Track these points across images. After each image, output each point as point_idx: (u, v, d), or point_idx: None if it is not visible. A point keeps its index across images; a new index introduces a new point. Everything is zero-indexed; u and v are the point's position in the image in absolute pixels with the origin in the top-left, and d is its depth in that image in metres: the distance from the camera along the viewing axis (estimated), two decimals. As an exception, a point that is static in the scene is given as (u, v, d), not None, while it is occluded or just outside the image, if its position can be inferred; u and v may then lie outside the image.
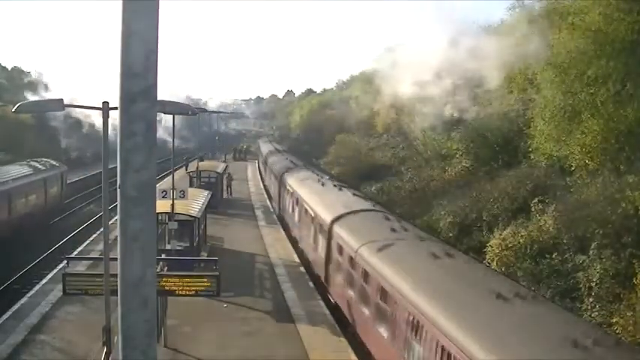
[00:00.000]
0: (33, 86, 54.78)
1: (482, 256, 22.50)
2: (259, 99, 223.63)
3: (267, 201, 44.74)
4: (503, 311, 10.96)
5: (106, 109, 12.77)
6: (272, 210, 40.56)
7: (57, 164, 42.44)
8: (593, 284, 18.44)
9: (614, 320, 16.81)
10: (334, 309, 19.87)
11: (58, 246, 31.48)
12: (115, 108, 2.96)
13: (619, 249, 18.80)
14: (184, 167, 50.73)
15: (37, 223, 34.74)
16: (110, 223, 14.93)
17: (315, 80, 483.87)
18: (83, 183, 51.22)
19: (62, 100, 13.62)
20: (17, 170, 36.23)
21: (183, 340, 17.31)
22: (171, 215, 22.50)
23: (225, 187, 44.43)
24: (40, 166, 39.48)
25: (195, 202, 26.96)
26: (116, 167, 2.89)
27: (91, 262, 22.18)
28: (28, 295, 21.09)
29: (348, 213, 20.92)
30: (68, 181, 44.54)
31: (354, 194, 25.62)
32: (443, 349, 10.84)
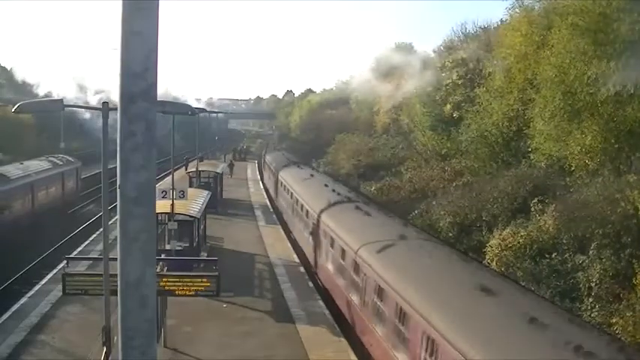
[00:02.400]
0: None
1: (481, 256, 22.49)
2: (259, 99, 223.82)
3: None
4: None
5: (105, 109, 12.80)
6: None
7: (72, 160, 45.76)
8: (592, 284, 18.42)
9: (614, 320, 16.80)
10: None
11: (78, 232, 34.13)
12: (115, 108, 2.95)
13: (619, 249, 18.79)
14: (184, 167, 50.74)
15: (56, 212, 38.09)
16: (110, 223, 14.93)
17: (315, 80, 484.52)
18: (95, 178, 51.85)
19: (62, 100, 13.68)
20: (38, 165, 39.35)
21: (183, 340, 17.31)
22: (171, 215, 22.51)
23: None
24: (57, 162, 42.70)
25: (195, 202, 26.96)
26: (116, 167, 2.89)
27: (91, 262, 22.18)
28: (28, 295, 21.09)
29: None
30: (82, 177, 47.48)
31: None
32: None
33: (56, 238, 31.89)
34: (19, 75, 57.94)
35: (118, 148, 2.85)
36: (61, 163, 43.10)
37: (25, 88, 51.81)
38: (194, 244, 24.77)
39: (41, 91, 44.25)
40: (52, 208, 38.14)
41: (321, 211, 23.83)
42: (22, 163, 38.27)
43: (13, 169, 35.83)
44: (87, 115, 49.80)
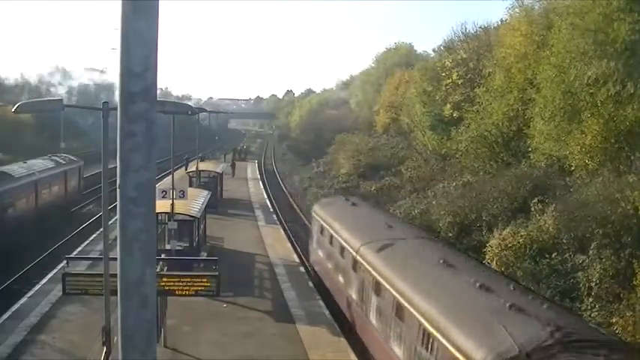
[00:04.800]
0: None
1: (481, 256, 22.48)
2: (259, 99, 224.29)
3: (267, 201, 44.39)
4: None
5: (106, 109, 12.81)
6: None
7: (75, 159, 45.95)
8: (592, 284, 18.42)
9: (614, 320, 16.80)
10: None
11: (79, 231, 34.62)
12: (115, 108, 2.95)
13: (619, 249, 18.78)
14: (184, 167, 50.72)
15: (58, 210, 38.52)
16: (110, 223, 14.94)
17: (315, 80, 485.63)
18: (97, 177, 52.02)
19: (62, 100, 13.70)
20: (41, 164, 39.74)
21: (183, 340, 17.31)
22: (171, 215, 22.51)
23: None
24: (60, 160, 43.03)
25: (195, 202, 26.95)
26: (116, 167, 2.89)
27: (91, 262, 22.17)
28: (28, 294, 21.09)
29: None
30: (84, 175, 47.66)
31: None
32: None
33: (59, 236, 32.09)
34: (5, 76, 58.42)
35: (118, 148, 2.85)
36: (64, 162, 43.42)
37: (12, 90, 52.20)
38: (194, 244, 24.76)
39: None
40: (55, 207, 38.52)
41: None
42: (25, 162, 38.63)
43: (17, 168, 36.23)
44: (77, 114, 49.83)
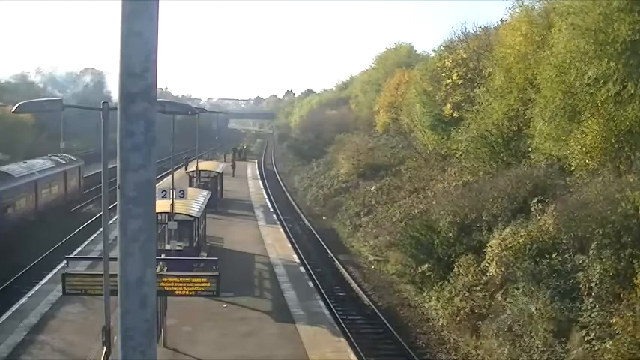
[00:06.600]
0: None
1: (481, 256, 22.45)
2: (259, 99, 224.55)
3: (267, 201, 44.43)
4: None
5: (105, 109, 12.81)
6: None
7: (75, 159, 46.45)
8: (593, 284, 18.40)
9: (614, 320, 16.78)
10: None
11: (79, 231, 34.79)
12: (115, 108, 2.95)
13: (619, 249, 18.76)
14: (184, 167, 50.72)
15: (58, 210, 38.83)
16: (110, 223, 14.95)
17: (315, 80, 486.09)
18: (97, 177, 52.07)
19: (62, 100, 13.70)
20: (41, 164, 40.04)
21: (183, 340, 17.31)
22: (171, 215, 22.52)
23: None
24: (60, 160, 43.42)
25: (195, 202, 26.96)
26: (116, 167, 2.89)
27: (91, 262, 22.18)
28: (28, 294, 21.09)
29: None
30: (84, 175, 47.79)
31: None
32: None
33: (59, 236, 32.16)
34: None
35: (118, 148, 2.85)
36: (64, 162, 43.57)
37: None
38: (194, 244, 24.78)
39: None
40: (55, 207, 38.60)
41: None
42: (25, 162, 38.73)
43: (17, 168, 36.32)
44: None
